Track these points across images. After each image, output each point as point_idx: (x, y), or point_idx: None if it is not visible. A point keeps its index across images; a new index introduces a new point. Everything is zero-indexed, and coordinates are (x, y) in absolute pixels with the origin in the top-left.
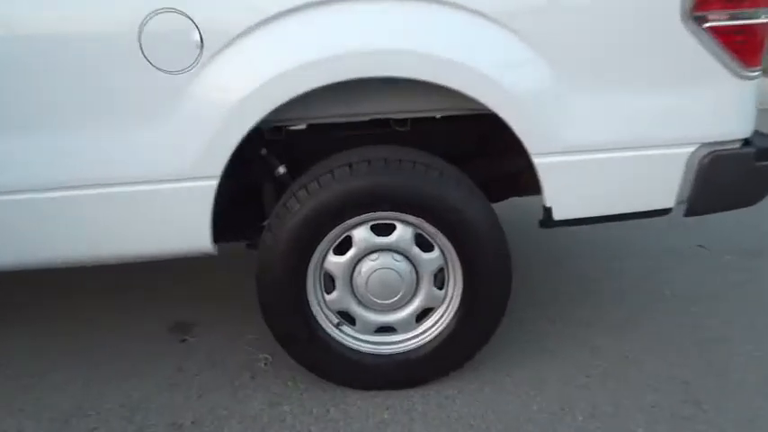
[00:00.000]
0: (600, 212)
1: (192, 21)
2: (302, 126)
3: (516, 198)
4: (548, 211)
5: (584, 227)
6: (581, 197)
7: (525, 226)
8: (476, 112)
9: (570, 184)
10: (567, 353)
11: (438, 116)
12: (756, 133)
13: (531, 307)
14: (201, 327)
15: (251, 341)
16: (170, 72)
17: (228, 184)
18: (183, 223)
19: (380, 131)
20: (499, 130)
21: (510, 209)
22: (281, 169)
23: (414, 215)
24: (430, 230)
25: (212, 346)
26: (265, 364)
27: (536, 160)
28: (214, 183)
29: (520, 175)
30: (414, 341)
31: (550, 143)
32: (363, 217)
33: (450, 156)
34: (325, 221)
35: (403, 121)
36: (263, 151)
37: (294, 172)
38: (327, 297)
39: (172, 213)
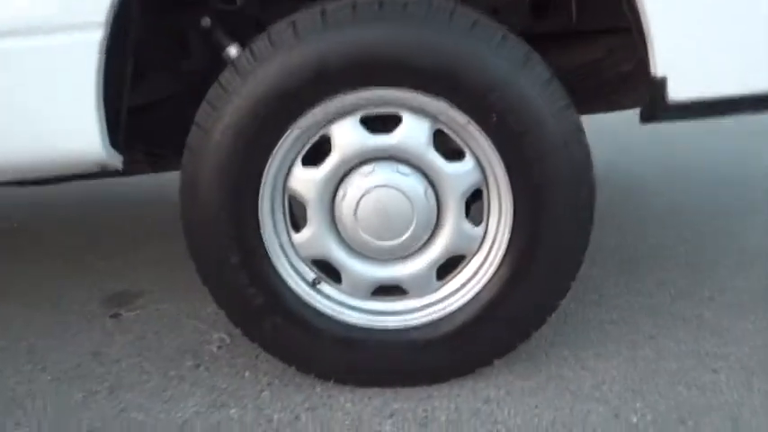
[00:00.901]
0: (751, 89)
1: None
2: None
3: None
4: (658, 87)
5: None
6: (720, 60)
7: None
8: None
9: (701, 39)
10: (675, 336)
11: None
12: None
13: (615, 268)
14: (148, 298)
15: (207, 316)
16: None
17: (161, 76)
18: (51, 109)
19: None
20: None
21: None
22: (233, 50)
23: (431, 94)
24: (458, 123)
25: (152, 323)
26: (219, 347)
27: None
28: (96, 35)
29: (597, 72)
30: (434, 310)
31: None
32: (347, 100)
33: None
34: (285, 108)
35: None
36: (206, 22)
37: None
38: (296, 237)
39: (26, 91)
